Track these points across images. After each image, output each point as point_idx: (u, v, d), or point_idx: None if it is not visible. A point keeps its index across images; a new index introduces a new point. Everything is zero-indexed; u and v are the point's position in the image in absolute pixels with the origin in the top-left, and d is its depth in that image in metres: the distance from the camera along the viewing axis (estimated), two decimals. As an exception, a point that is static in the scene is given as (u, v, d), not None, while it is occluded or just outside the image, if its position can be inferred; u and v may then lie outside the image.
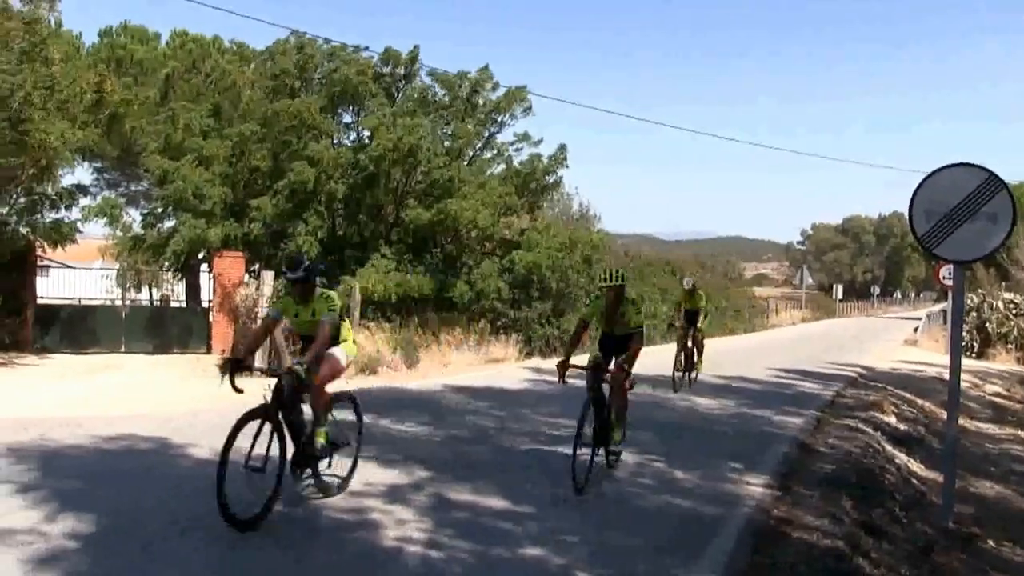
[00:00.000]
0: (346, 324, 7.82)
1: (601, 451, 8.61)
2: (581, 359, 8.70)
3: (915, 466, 11.31)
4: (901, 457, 11.51)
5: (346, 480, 7.70)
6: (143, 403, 13.01)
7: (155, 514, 6.65)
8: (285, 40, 25.50)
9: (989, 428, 15.70)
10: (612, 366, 8.61)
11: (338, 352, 7.49)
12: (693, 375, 16.79)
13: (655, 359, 16.81)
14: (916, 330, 42.25)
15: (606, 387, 8.53)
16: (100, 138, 22.44)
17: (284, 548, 6.08)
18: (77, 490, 7.26)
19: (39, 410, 11.62)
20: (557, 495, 7.84)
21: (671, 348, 17.99)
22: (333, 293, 7.46)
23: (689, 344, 16.52)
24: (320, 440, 7.37)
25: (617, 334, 8.85)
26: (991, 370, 26.54)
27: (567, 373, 8.31)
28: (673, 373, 16.08)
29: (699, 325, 16.60)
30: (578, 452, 7.91)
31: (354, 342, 7.92)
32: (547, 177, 25.35)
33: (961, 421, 12.70)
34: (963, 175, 8.22)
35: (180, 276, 28.10)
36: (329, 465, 7.61)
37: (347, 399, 8.12)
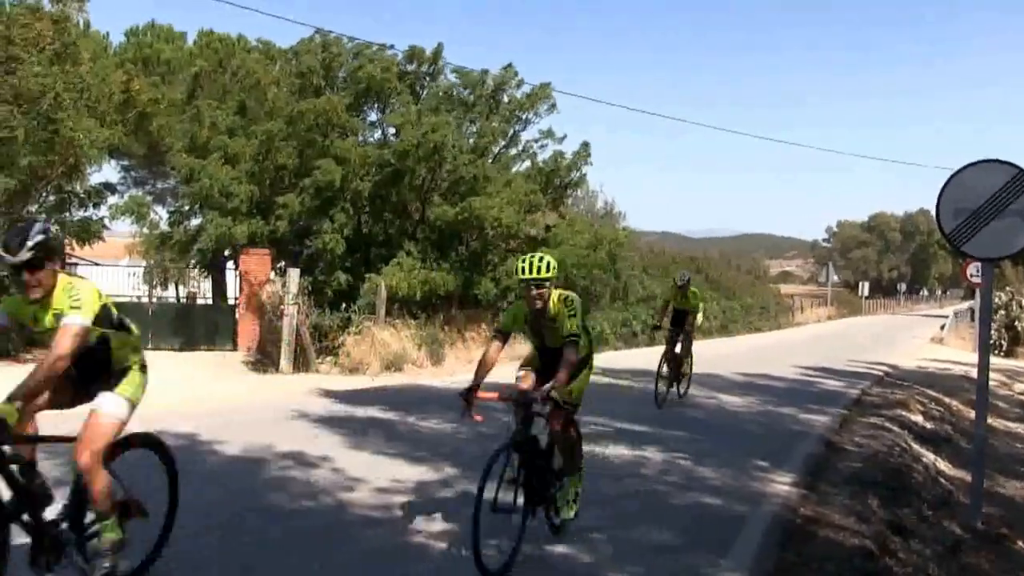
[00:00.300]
0: (127, 338, 5.27)
1: (541, 513, 6.35)
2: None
3: (942, 465, 11.24)
4: (928, 456, 11.45)
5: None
6: (171, 400, 13.06)
7: (185, 512, 6.69)
8: (310, 39, 25.57)
9: (1018, 427, 15.58)
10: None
11: (107, 403, 4.95)
12: (683, 388, 14.52)
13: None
14: (943, 328, 42.00)
15: (541, 424, 6.29)
16: (127, 137, 22.59)
17: (310, 546, 6.11)
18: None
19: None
20: (584, 492, 7.87)
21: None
22: (85, 283, 4.94)
23: (677, 350, 14.19)
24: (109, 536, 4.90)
25: (552, 347, 6.45)
26: (1020, 368, 26.34)
27: (475, 405, 6.13)
28: (656, 385, 13.56)
29: (689, 328, 14.28)
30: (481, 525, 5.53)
31: (142, 369, 5.29)
32: (571, 174, 25.32)
33: (990, 420, 12.60)
34: (991, 172, 8.16)
35: (206, 273, 28.25)
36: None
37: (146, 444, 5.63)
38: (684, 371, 14.47)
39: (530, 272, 6.08)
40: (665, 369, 13.81)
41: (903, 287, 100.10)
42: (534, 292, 6.11)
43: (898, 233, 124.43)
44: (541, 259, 6.16)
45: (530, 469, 6.08)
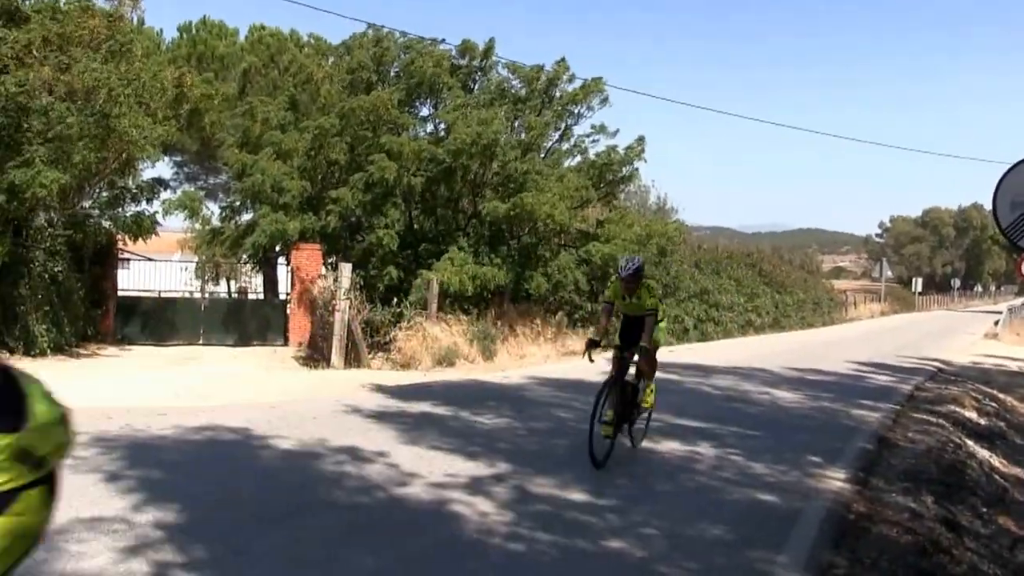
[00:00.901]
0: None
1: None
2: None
3: (996, 462, 11.08)
4: (982, 453, 11.27)
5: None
6: (225, 394, 13.21)
7: (241, 506, 6.79)
8: (363, 34, 25.68)
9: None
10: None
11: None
12: (636, 427, 9.42)
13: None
14: (997, 324, 41.38)
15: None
16: (180, 132, 22.87)
17: (366, 540, 6.07)
18: (163, 479, 7.33)
19: (123, 400, 11.71)
20: (637, 488, 7.88)
21: (744, 342, 17.44)
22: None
23: (631, 374, 9.15)
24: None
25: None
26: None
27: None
28: (591, 429, 8.38)
29: (648, 345, 8.86)
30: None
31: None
32: (624, 168, 25.21)
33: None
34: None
35: (258, 269, 28.55)
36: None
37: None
38: (642, 406, 9.37)
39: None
40: (608, 407, 8.59)
41: (957, 283, 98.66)
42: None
43: (952, 228, 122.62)
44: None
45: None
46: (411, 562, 5.72)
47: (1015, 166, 8.22)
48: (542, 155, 24.66)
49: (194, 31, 31.39)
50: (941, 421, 12.71)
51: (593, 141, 25.62)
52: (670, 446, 9.85)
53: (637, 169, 25.64)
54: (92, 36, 18.74)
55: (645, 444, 9.57)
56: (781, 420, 12.46)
